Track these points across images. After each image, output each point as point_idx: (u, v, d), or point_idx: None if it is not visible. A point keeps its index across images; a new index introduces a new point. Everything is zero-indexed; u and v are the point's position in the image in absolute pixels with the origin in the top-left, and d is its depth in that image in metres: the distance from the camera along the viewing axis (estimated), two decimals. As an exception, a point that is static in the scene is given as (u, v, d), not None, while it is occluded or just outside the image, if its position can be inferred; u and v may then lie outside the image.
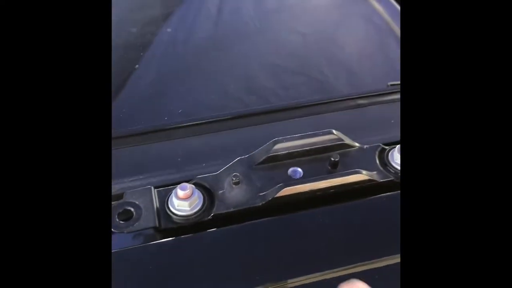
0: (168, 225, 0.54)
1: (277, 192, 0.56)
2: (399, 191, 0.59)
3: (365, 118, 0.72)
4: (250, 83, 0.82)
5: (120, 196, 0.55)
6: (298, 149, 0.61)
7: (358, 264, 0.53)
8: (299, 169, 0.60)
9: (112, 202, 0.54)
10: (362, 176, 0.58)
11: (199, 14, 1.01)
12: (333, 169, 0.60)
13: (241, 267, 0.53)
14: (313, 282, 0.52)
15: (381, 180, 0.59)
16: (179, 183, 0.55)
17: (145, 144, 0.67)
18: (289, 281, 0.51)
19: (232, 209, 0.55)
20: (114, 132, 0.61)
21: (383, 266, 0.53)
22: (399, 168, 0.60)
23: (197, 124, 0.69)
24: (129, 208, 0.54)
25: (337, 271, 0.53)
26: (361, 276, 0.53)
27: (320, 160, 0.61)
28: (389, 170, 0.60)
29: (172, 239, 0.54)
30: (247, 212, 0.56)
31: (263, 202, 0.56)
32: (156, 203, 0.56)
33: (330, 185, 0.58)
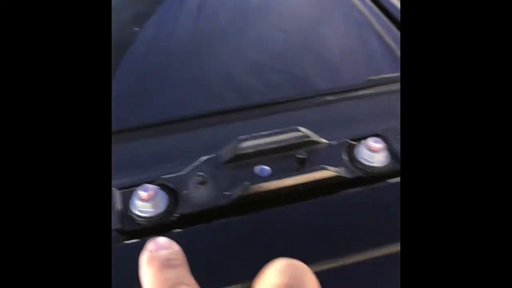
0: (132, 226, 0.53)
1: (243, 191, 0.55)
2: (367, 187, 0.59)
3: (334, 114, 0.72)
4: (232, 81, 0.82)
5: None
6: (265, 147, 0.60)
7: (327, 260, 0.53)
8: (266, 167, 0.59)
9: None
10: (328, 172, 0.57)
11: (179, 13, 1.00)
12: (300, 167, 0.59)
13: (207, 267, 0.52)
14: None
15: (348, 176, 0.58)
16: (142, 184, 0.54)
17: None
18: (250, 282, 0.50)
19: (197, 209, 0.54)
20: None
21: (352, 263, 0.53)
22: (366, 163, 0.60)
23: (163, 124, 0.68)
24: (91, 211, 0.53)
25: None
26: (330, 273, 0.52)
27: (287, 158, 0.60)
28: (357, 166, 0.60)
29: (135, 241, 0.53)
30: (212, 211, 0.55)
31: (229, 201, 0.55)
32: (119, 204, 0.55)
33: (297, 183, 0.57)
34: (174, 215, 0.54)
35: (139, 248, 0.53)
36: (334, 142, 0.62)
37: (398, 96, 0.75)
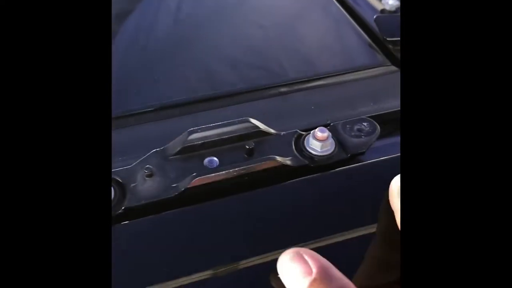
0: (78, 221, 0.54)
1: (190, 182, 0.56)
2: (314, 175, 0.60)
3: (286, 105, 0.73)
4: (209, 76, 0.82)
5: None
6: (214, 139, 0.61)
7: (272, 251, 0.54)
8: (215, 159, 0.60)
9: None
10: (275, 162, 0.59)
11: (158, 10, 0.99)
12: (249, 157, 0.60)
13: (152, 259, 0.53)
14: (232, 272, 0.53)
15: (295, 165, 0.60)
16: (90, 178, 0.54)
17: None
18: (199, 273, 0.52)
19: (143, 202, 0.55)
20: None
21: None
22: (313, 152, 0.61)
23: (117, 118, 0.68)
24: (36, 206, 0.53)
25: (252, 260, 0.54)
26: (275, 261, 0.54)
27: (236, 149, 0.61)
28: (304, 155, 0.61)
29: (82, 235, 0.53)
30: (159, 204, 0.55)
31: (176, 193, 0.56)
32: (67, 199, 0.55)
33: (244, 173, 0.58)
34: (121, 208, 0.54)
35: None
36: (283, 133, 0.63)
37: (349, 86, 0.77)
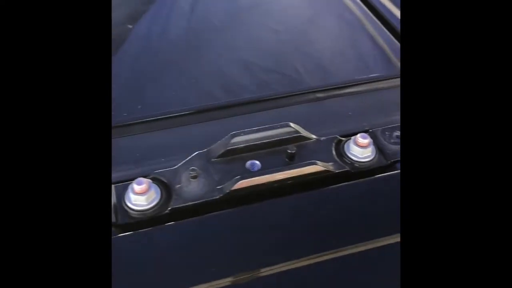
0: (125, 220, 0.55)
1: (234, 184, 0.56)
2: (355, 181, 0.61)
3: (324, 111, 0.73)
4: (223, 80, 0.82)
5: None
6: (256, 142, 0.62)
7: (315, 253, 0.54)
8: (257, 162, 0.61)
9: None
10: (318, 167, 0.59)
11: (171, 12, 1.01)
12: (290, 161, 0.61)
13: (199, 259, 0.53)
14: (274, 274, 0.53)
15: (337, 171, 0.60)
16: (136, 178, 0.55)
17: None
18: (246, 273, 0.52)
19: (189, 203, 0.56)
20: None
21: (341, 256, 0.55)
22: (354, 158, 0.61)
23: (156, 120, 0.69)
24: (85, 204, 0.54)
25: (296, 262, 0.54)
26: (320, 266, 0.54)
27: (277, 153, 0.62)
28: (345, 161, 0.62)
29: (129, 234, 0.54)
30: (204, 205, 0.56)
31: (221, 195, 0.56)
32: (113, 198, 0.56)
33: (287, 177, 0.59)
34: (167, 208, 0.55)
35: (132, 241, 0.55)
36: (323, 138, 0.64)
37: (384, 93, 0.77)
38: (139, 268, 0.52)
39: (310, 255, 0.54)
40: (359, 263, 0.55)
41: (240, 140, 0.61)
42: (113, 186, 0.57)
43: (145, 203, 0.55)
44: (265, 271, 0.54)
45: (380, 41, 0.91)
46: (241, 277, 0.53)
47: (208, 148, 0.61)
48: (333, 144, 0.64)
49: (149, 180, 0.56)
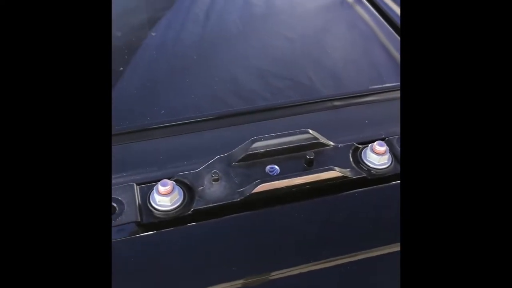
0: (150, 219, 0.57)
1: (254, 188, 0.58)
2: (371, 187, 0.62)
3: (341, 118, 0.75)
4: (237, 87, 0.85)
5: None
6: (276, 148, 0.64)
7: (332, 258, 0.56)
8: (276, 167, 0.63)
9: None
10: (335, 173, 0.61)
11: (187, 19, 1.03)
12: (309, 167, 0.63)
13: (220, 259, 0.55)
14: (290, 276, 0.55)
15: (354, 177, 0.62)
16: (160, 180, 0.58)
17: (129, 143, 0.69)
18: (264, 275, 0.54)
19: (211, 205, 0.58)
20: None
21: (356, 260, 0.56)
22: (371, 165, 0.63)
23: (178, 124, 0.72)
24: (112, 203, 0.57)
25: (312, 265, 0.56)
26: (335, 270, 0.56)
27: (296, 158, 0.64)
28: (362, 168, 0.63)
29: (153, 233, 0.56)
30: (225, 207, 0.58)
31: (241, 198, 0.58)
32: (138, 199, 0.58)
33: (305, 182, 0.60)
34: (190, 209, 0.57)
35: (156, 240, 0.57)
36: (341, 145, 0.66)
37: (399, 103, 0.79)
38: (162, 265, 0.54)
39: (328, 259, 0.56)
40: (375, 269, 0.57)
41: (260, 145, 0.63)
42: (138, 187, 0.59)
43: (169, 204, 0.57)
44: (281, 273, 0.55)
45: (394, 50, 0.93)
46: (255, 278, 0.54)
47: (229, 152, 0.63)
48: (350, 151, 0.65)
49: (173, 182, 0.58)
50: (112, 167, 0.64)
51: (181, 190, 0.59)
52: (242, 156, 0.62)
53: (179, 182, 0.60)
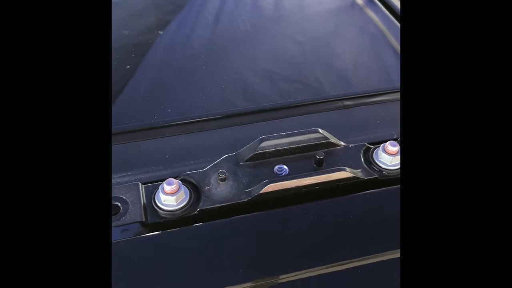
0: (155, 219, 0.55)
1: (262, 188, 0.57)
2: (383, 188, 0.60)
3: (351, 118, 0.73)
4: (246, 89, 0.84)
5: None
6: (285, 147, 0.62)
7: (343, 261, 0.54)
8: (285, 167, 0.61)
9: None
10: (346, 173, 0.59)
11: (196, 22, 1.03)
12: (318, 167, 0.61)
13: (226, 260, 0.54)
14: (299, 279, 0.53)
15: (365, 178, 0.60)
16: (166, 179, 0.56)
17: (134, 142, 0.68)
18: (272, 278, 0.52)
19: (217, 205, 0.56)
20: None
21: (368, 264, 0.54)
22: (383, 166, 0.61)
23: (186, 123, 0.71)
24: (116, 203, 0.55)
25: (322, 268, 0.54)
26: (346, 273, 0.54)
27: (306, 158, 0.62)
28: (373, 168, 0.61)
29: (158, 233, 0.54)
30: (232, 207, 0.57)
31: (249, 198, 0.57)
32: (143, 198, 0.57)
33: (315, 182, 0.59)
34: (196, 209, 0.56)
35: (161, 240, 0.55)
36: (352, 145, 0.64)
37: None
38: (167, 266, 0.52)
39: (339, 262, 0.54)
40: (388, 272, 0.55)
41: (269, 144, 0.61)
42: (143, 186, 0.58)
43: (175, 203, 0.55)
44: (290, 277, 0.53)
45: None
46: (263, 281, 0.52)
47: (237, 152, 0.62)
48: (362, 151, 0.63)
49: (179, 181, 0.56)
50: (117, 165, 0.63)
51: (187, 190, 0.57)
52: (250, 155, 0.61)
53: (185, 182, 0.58)
